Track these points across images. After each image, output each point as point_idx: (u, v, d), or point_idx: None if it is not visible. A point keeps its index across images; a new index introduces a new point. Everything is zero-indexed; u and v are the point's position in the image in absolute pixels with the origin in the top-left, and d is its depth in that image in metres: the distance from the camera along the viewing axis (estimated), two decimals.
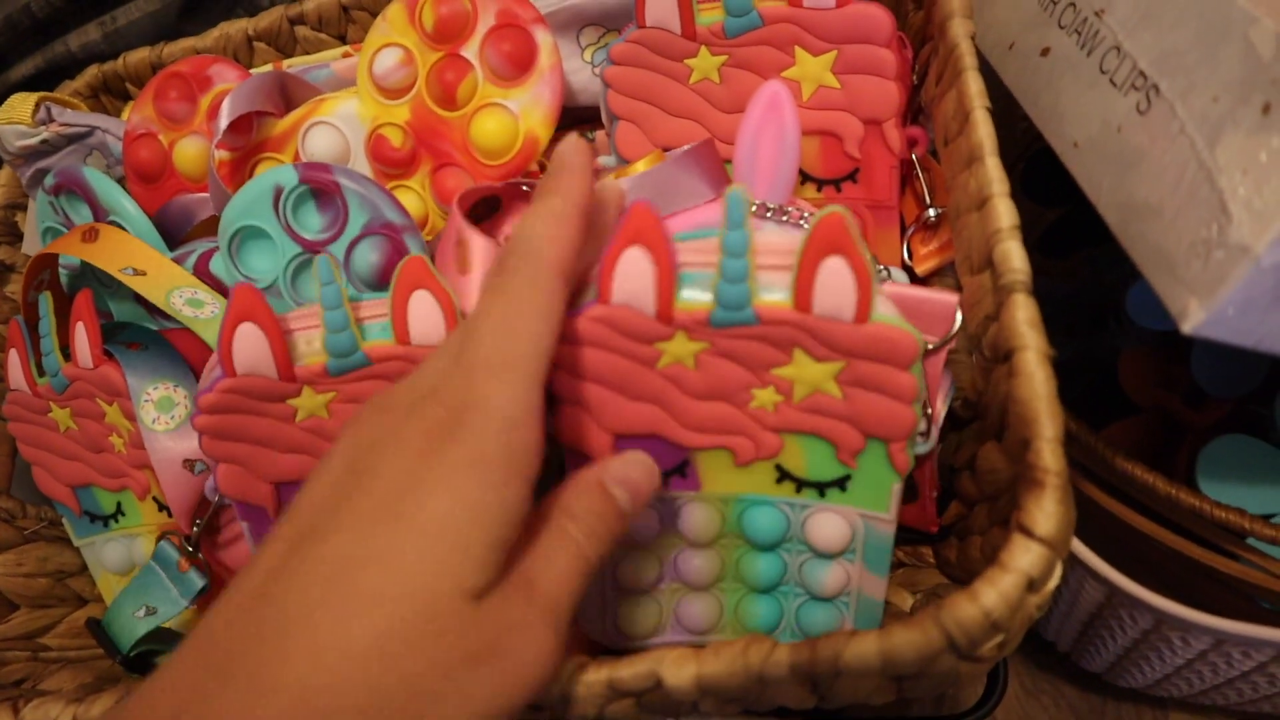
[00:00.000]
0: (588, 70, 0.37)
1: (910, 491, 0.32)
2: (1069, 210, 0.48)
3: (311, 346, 0.29)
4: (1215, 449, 0.36)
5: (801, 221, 0.30)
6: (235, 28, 0.42)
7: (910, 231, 0.36)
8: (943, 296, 0.28)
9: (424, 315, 0.28)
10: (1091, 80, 0.29)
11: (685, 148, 0.33)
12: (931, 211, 0.34)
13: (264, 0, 0.56)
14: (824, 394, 0.26)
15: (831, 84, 0.34)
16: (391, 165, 0.35)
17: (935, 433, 0.28)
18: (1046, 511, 0.23)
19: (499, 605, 0.21)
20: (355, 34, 0.42)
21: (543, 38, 0.33)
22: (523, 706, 0.22)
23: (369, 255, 0.33)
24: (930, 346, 0.28)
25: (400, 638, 0.20)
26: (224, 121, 0.33)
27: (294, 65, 0.42)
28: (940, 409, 0.28)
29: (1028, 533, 0.23)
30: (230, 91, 0.34)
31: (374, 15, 0.41)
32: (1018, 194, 0.49)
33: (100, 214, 0.34)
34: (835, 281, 0.24)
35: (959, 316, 0.28)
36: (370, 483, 0.22)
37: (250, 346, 0.28)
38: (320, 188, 0.32)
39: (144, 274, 0.33)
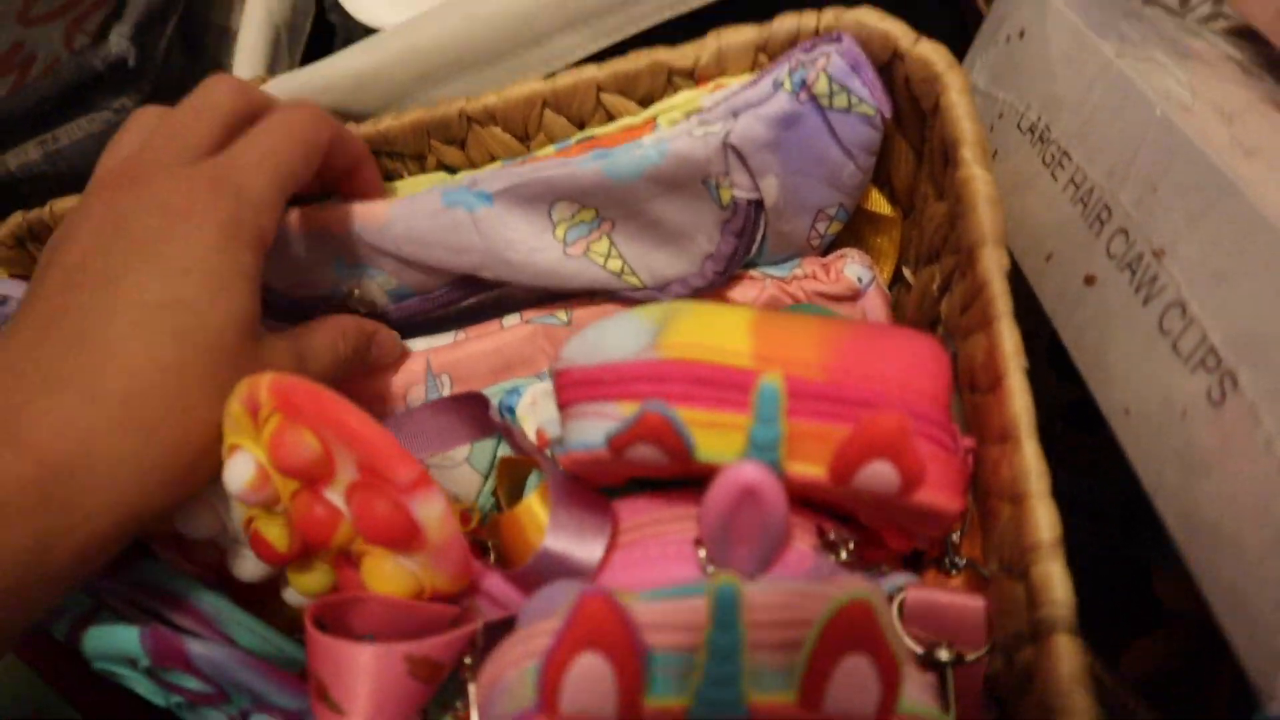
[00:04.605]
0: (559, 249, 0.33)
1: None
2: None
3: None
4: None
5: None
6: None
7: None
8: (969, 602, 0.24)
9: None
10: (1149, 338, 0.24)
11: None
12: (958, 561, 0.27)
13: None
14: None
15: None
16: (274, 562, 0.27)
17: None
18: None
19: (268, 350, 0.27)
20: None
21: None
22: None
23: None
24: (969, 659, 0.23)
25: (194, 361, 0.25)
26: None
27: None
28: None
29: None
30: None
31: None
32: (1042, 367, 0.43)
33: None
34: (854, 681, 0.19)
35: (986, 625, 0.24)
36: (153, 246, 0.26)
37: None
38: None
39: None
